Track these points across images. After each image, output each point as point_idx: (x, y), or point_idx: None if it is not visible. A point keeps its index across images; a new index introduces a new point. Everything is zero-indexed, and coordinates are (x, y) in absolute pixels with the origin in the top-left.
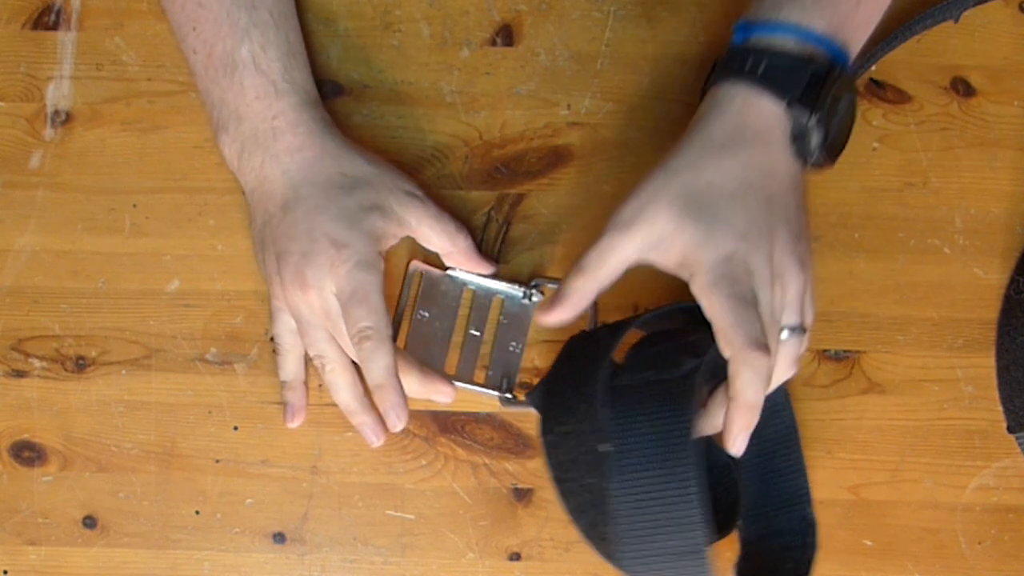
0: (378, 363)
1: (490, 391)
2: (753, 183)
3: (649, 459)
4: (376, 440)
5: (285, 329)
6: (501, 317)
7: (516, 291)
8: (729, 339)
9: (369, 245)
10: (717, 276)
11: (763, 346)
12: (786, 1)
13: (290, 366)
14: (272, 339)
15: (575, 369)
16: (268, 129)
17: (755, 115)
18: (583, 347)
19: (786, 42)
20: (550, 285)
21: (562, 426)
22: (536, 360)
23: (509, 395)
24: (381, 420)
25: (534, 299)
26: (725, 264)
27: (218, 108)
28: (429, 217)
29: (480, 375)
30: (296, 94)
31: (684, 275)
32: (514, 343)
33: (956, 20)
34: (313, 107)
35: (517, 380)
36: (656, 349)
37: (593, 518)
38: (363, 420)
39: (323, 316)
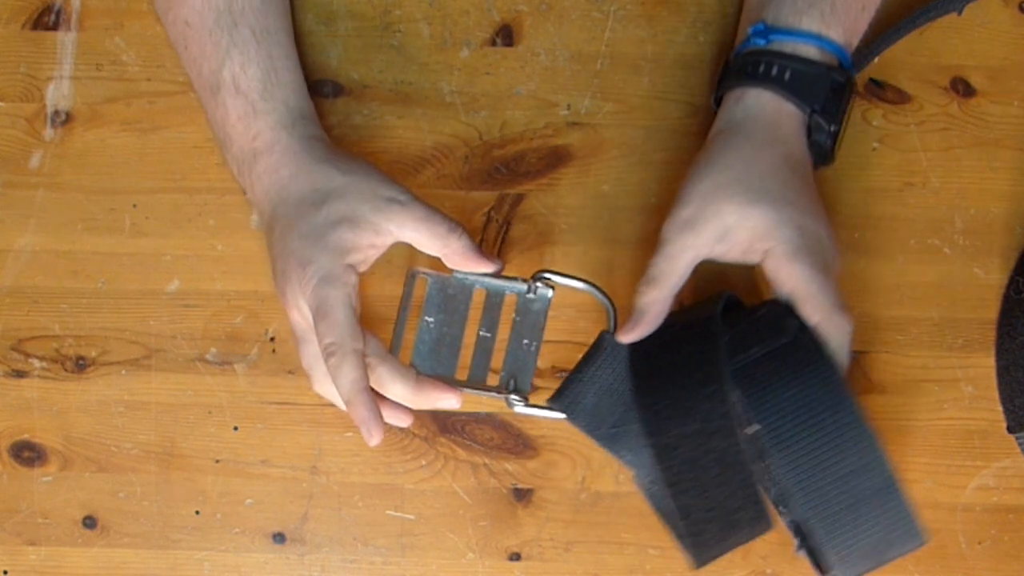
0: (343, 378)
1: (500, 395)
2: (796, 172)
3: (808, 421)
4: (404, 423)
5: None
6: (514, 315)
7: (520, 286)
8: (817, 305)
9: (334, 260)
10: (796, 247)
11: (847, 309)
12: (806, 9)
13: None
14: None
15: (678, 370)
16: (250, 151)
17: (785, 119)
18: (673, 347)
19: (808, 50)
20: (556, 278)
21: (682, 427)
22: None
23: (518, 398)
24: (397, 413)
25: (539, 292)
26: (800, 237)
27: (214, 128)
28: (413, 221)
29: (494, 378)
30: (274, 113)
31: (752, 259)
32: (527, 340)
33: (960, 12)
34: (292, 125)
35: (532, 379)
36: (739, 328)
37: (703, 515)
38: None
39: (309, 331)
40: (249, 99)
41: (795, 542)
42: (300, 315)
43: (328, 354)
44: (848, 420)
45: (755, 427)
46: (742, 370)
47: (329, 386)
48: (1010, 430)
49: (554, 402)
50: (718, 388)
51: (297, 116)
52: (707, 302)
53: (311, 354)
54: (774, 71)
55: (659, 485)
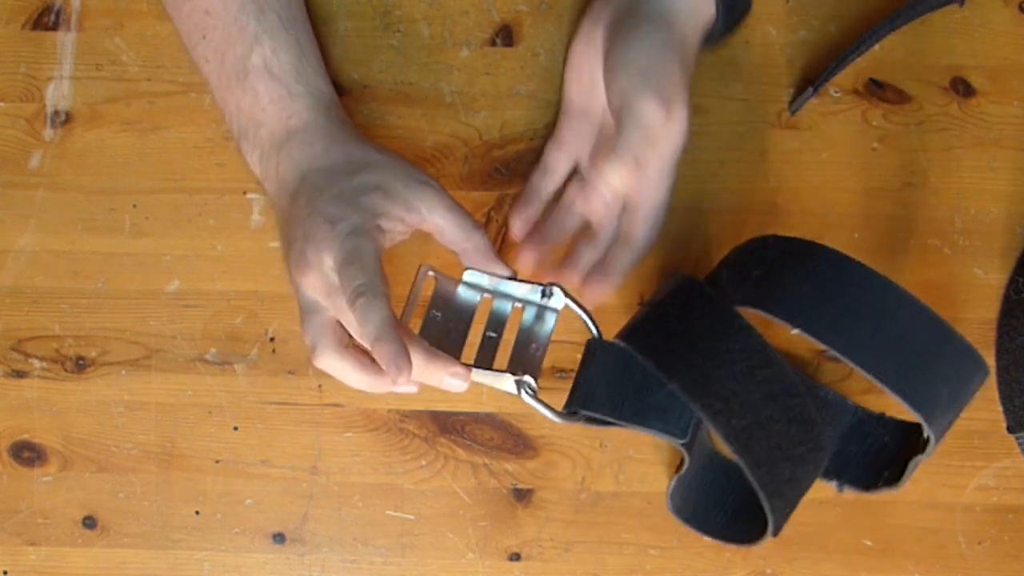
0: (373, 317)
1: (511, 377)
2: (684, 61)
3: (845, 302)
4: (412, 388)
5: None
6: (522, 319)
7: (533, 292)
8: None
9: (367, 218)
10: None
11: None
12: None
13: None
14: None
15: (693, 329)
16: (283, 130)
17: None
18: (671, 316)
19: None
20: (569, 302)
21: (725, 372)
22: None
23: (531, 382)
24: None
25: (553, 298)
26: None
27: (236, 116)
28: (442, 207)
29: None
30: (310, 95)
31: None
32: (535, 345)
33: (962, 4)
34: (327, 107)
35: (538, 382)
36: (724, 270)
37: (774, 466)
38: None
39: (325, 296)
40: (283, 82)
41: (834, 484)
42: (319, 276)
43: (357, 295)
44: (880, 284)
45: (795, 331)
46: (753, 293)
47: (334, 358)
48: (1010, 430)
49: (569, 404)
50: (741, 324)
51: (330, 101)
52: (666, 282)
53: (318, 324)
54: None
55: (696, 473)
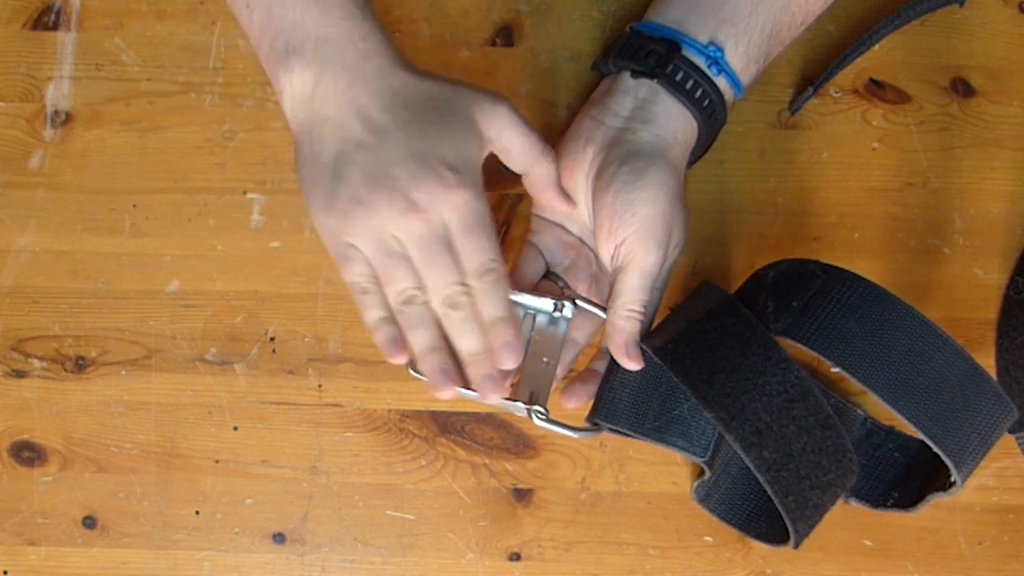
0: (501, 295)
1: (523, 407)
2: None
3: (885, 340)
4: (445, 387)
5: (361, 272)
6: (532, 333)
7: (546, 305)
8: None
9: (478, 174)
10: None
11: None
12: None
13: (376, 309)
14: (350, 287)
15: (729, 355)
16: (357, 51)
17: (688, 138)
18: (708, 337)
19: (722, 83)
20: (581, 303)
21: (755, 403)
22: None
23: (541, 411)
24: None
25: (565, 311)
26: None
27: (289, 34)
28: (513, 130)
29: (512, 392)
30: (376, 20)
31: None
32: (546, 358)
33: (961, 4)
34: (388, 34)
35: (550, 396)
36: (766, 293)
37: (796, 484)
38: (443, 360)
39: (421, 245)
40: (356, 2)
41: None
42: (425, 223)
43: (488, 270)
44: (919, 324)
45: (835, 369)
46: (794, 325)
47: (428, 310)
48: (1010, 430)
49: (593, 415)
50: (782, 357)
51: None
52: (699, 294)
53: (410, 275)
54: (697, 93)
55: (724, 467)
